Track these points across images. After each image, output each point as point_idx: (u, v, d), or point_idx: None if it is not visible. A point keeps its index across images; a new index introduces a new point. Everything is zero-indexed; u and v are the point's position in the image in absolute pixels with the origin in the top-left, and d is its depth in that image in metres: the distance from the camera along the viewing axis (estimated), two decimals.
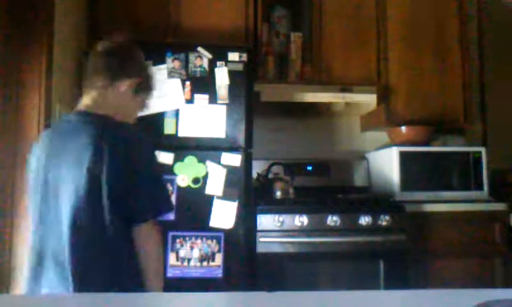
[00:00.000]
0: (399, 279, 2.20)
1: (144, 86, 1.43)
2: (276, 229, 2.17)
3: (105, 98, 1.35)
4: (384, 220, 2.22)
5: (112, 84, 1.36)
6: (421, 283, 2.28)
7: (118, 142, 1.24)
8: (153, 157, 1.34)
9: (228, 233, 2.14)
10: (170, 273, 2.12)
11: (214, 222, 2.14)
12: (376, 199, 2.44)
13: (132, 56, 1.43)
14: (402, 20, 2.77)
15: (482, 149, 2.56)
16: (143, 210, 1.25)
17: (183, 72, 2.23)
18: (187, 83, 2.22)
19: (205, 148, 2.19)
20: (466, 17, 2.85)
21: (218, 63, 2.24)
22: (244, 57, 2.26)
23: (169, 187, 2.12)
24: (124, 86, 1.37)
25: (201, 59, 2.24)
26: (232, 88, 2.22)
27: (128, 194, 1.23)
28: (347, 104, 2.85)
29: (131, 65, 1.40)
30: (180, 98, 2.22)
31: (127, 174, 1.23)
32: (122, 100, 1.38)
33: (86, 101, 1.36)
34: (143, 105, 1.48)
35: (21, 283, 1.77)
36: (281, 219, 2.18)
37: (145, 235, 1.25)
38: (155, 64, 2.22)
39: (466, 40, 2.82)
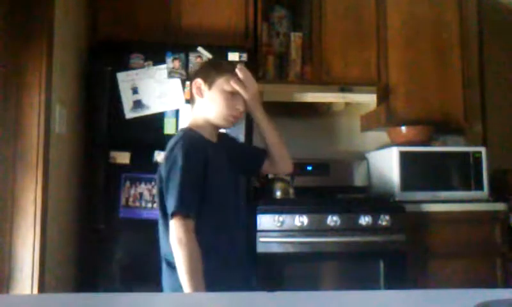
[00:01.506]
0: (399, 279, 2.20)
1: (209, 76, 1.50)
2: (276, 229, 2.17)
3: (190, 115, 1.58)
4: (384, 220, 2.22)
5: (191, 99, 1.56)
6: (421, 283, 2.28)
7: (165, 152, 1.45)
8: (173, 163, 1.38)
9: None
10: None
11: None
12: (375, 199, 2.44)
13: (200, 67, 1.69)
14: (402, 20, 2.77)
15: (482, 149, 2.56)
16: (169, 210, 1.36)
17: (183, 72, 2.23)
18: (187, 83, 2.22)
19: None
20: (466, 17, 2.85)
21: None
22: (244, 57, 2.27)
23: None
24: (191, 89, 1.54)
25: (201, 59, 2.24)
26: None
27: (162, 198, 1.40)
28: (347, 104, 2.85)
29: (196, 73, 1.59)
30: (180, 98, 2.22)
31: (162, 179, 1.40)
32: (197, 102, 1.52)
33: None
34: (223, 94, 1.49)
35: (23, 283, 1.77)
36: (281, 219, 2.18)
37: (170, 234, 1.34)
38: (155, 64, 2.22)
39: (466, 40, 2.82)
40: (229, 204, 1.50)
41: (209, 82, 1.49)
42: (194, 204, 1.35)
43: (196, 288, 1.27)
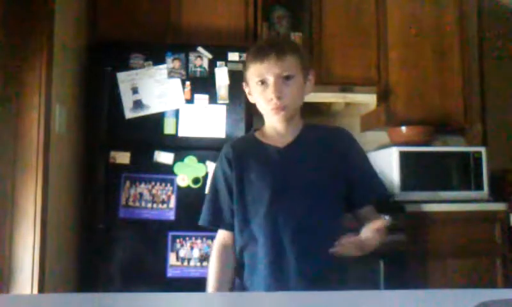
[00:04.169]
0: (399, 279, 2.20)
1: (244, 73, 1.34)
2: None
3: None
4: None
5: None
6: (421, 283, 2.28)
7: None
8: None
9: None
10: (170, 273, 2.12)
11: None
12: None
13: None
14: (402, 20, 2.77)
15: (482, 149, 2.56)
16: None
17: (183, 72, 2.23)
18: (187, 83, 2.22)
19: (205, 148, 2.19)
20: (466, 17, 2.85)
21: (218, 63, 2.24)
22: (244, 57, 2.26)
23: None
24: None
25: (201, 59, 2.24)
26: (232, 88, 2.22)
27: None
28: (347, 104, 2.85)
29: None
30: (180, 98, 2.22)
31: None
32: None
33: None
34: (254, 88, 1.29)
35: (23, 283, 1.78)
36: None
37: None
38: (155, 64, 2.22)
39: (466, 40, 2.82)
40: (267, 220, 1.22)
41: (246, 80, 1.32)
42: (215, 215, 1.32)
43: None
